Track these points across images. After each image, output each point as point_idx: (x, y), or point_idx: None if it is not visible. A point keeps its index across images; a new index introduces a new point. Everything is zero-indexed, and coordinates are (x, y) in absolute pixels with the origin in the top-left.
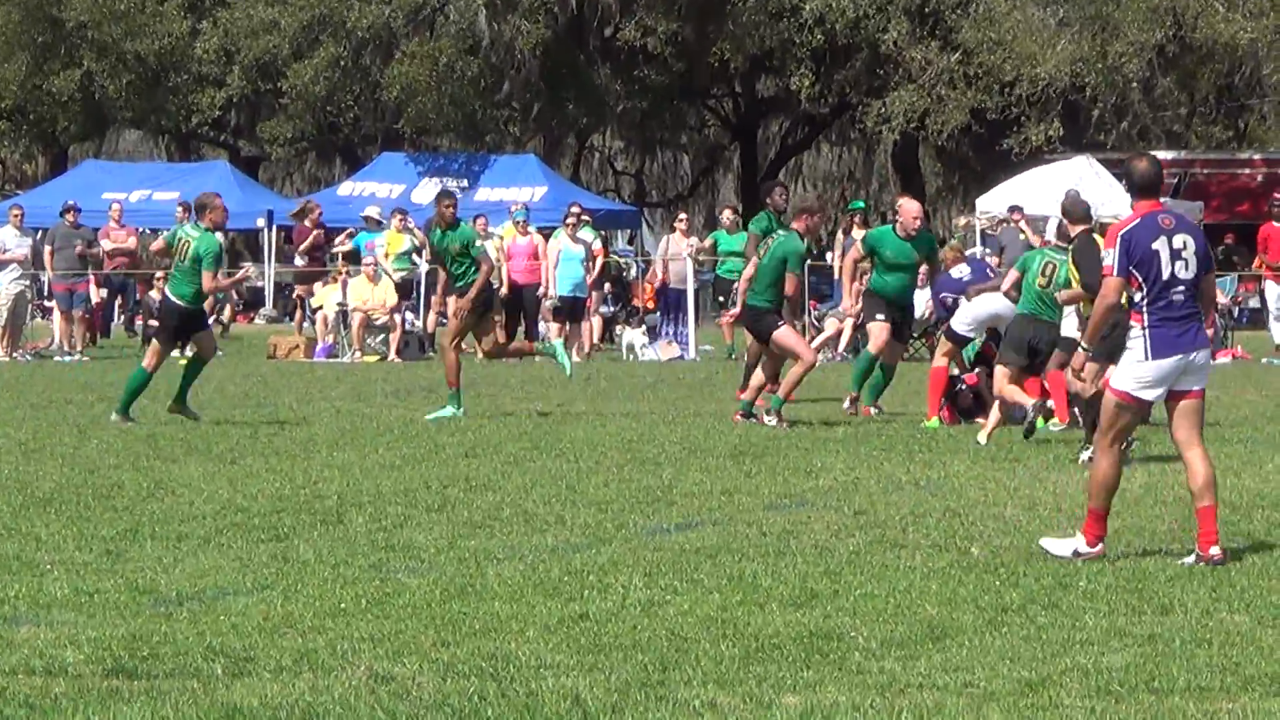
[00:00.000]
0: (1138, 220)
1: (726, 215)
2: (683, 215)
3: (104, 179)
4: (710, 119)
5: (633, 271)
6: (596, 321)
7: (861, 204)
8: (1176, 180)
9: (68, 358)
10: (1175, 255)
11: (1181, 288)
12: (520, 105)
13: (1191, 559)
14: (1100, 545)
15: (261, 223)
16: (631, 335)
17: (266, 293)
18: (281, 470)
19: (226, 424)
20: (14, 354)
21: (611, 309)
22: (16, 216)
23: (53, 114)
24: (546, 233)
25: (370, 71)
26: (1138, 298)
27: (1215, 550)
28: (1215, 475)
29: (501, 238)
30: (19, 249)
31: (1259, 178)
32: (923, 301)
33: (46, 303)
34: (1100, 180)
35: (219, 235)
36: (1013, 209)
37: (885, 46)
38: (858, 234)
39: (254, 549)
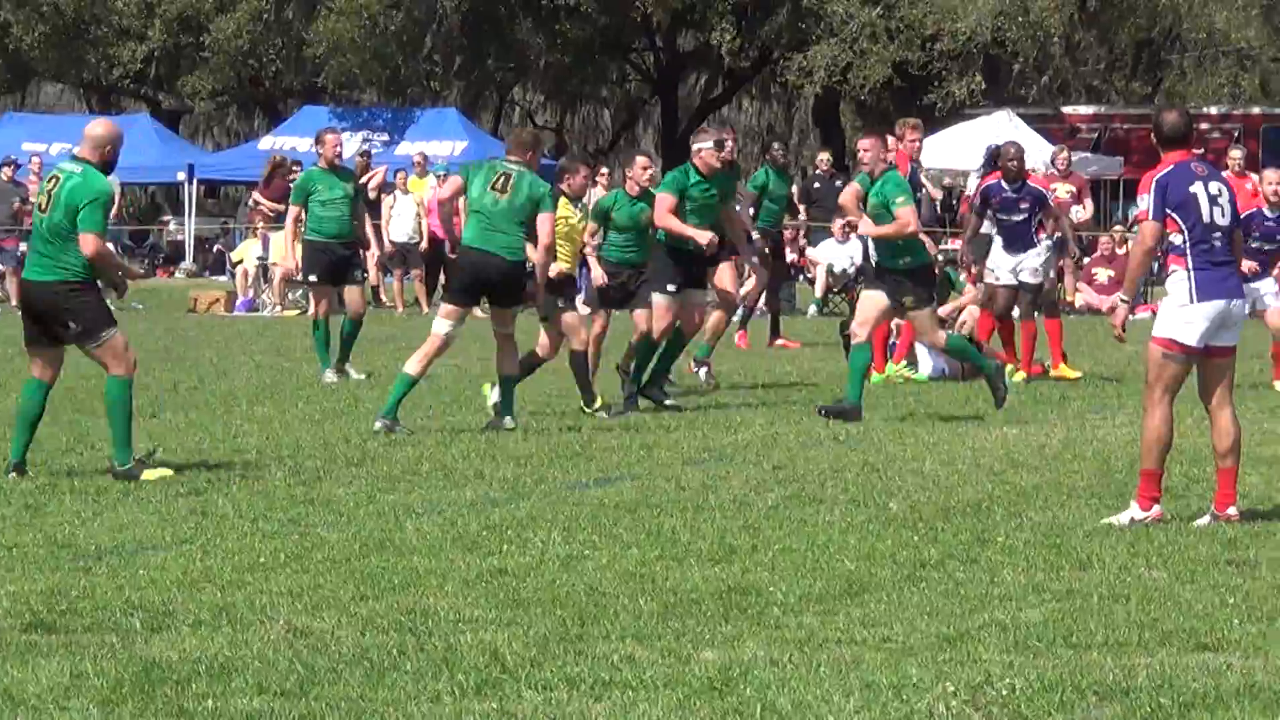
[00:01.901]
0: (1172, 166)
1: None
2: (604, 169)
3: (24, 131)
4: (631, 73)
5: None
6: None
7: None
8: (1096, 135)
9: None
10: (1213, 201)
11: (1220, 233)
12: (442, 59)
13: (1206, 519)
14: (1157, 508)
15: (182, 176)
16: None
17: (187, 247)
18: (201, 424)
19: (146, 378)
20: None
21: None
22: None
23: None
24: None
25: (293, 26)
26: (1178, 241)
27: (1233, 510)
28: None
29: (408, 193)
30: None
31: None
32: (846, 256)
33: None
34: (1020, 134)
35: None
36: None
37: (807, 1)
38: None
39: (173, 503)
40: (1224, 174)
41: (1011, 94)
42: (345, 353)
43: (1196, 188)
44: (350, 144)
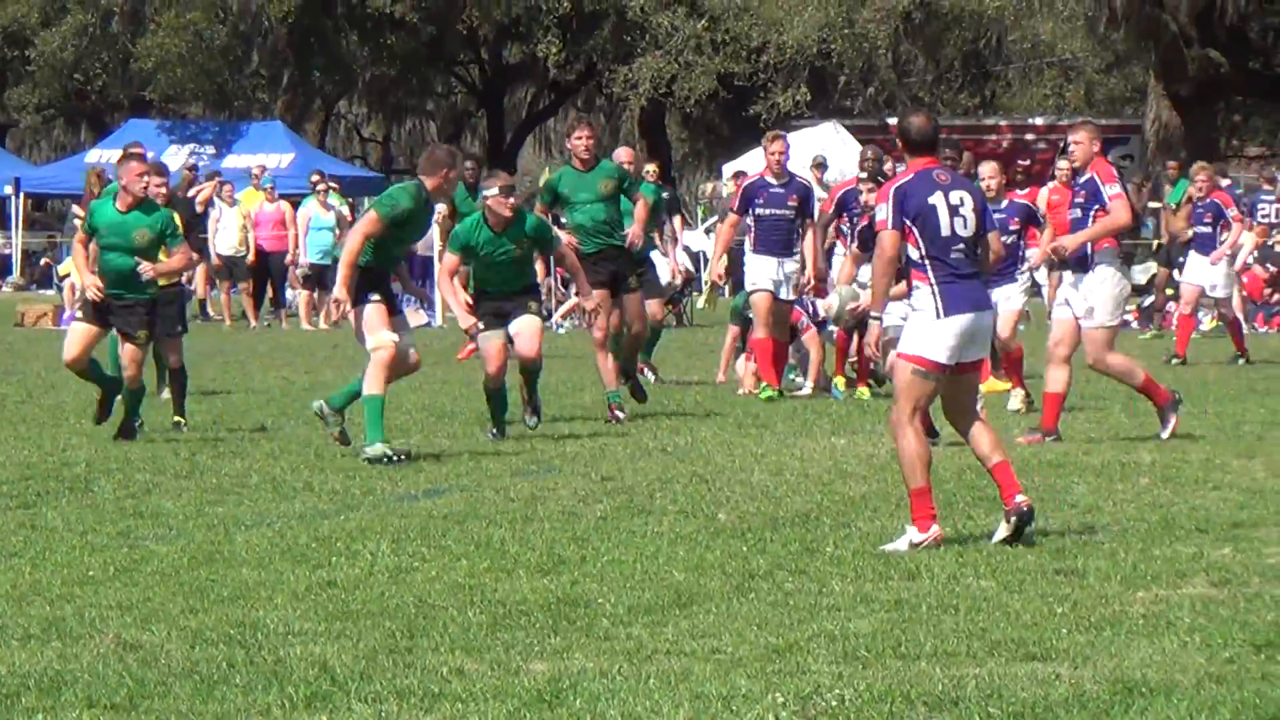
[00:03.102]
0: (912, 175)
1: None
2: None
3: None
4: (457, 86)
5: None
6: None
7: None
8: None
9: None
10: (954, 211)
11: (962, 245)
12: (267, 73)
13: (1002, 527)
14: (935, 527)
15: (9, 190)
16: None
17: (14, 261)
18: (29, 438)
19: None
20: None
21: None
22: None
23: None
24: (294, 200)
25: (119, 39)
26: (915, 255)
27: (1021, 498)
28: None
29: (234, 205)
30: None
31: (1004, 143)
32: (669, 268)
33: None
34: (846, 146)
35: None
36: (737, 175)
37: (632, 13)
38: None
39: (1, 516)
40: (1051, 184)
41: (837, 105)
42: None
43: (936, 198)
44: (177, 156)
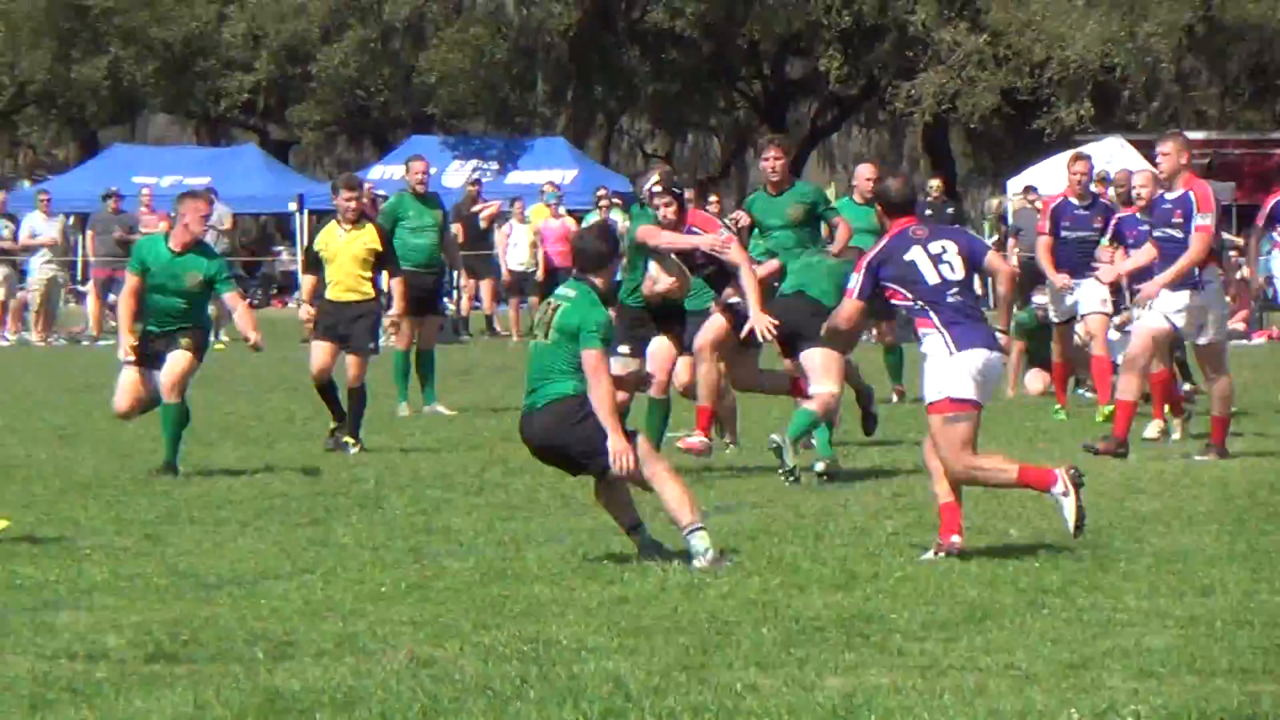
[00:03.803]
0: (885, 242)
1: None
2: (714, 197)
3: (134, 163)
4: (739, 101)
5: None
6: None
7: None
8: (1208, 161)
9: (100, 343)
10: (936, 260)
11: (955, 288)
12: (550, 89)
13: (930, 554)
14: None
15: (293, 206)
16: None
17: (299, 277)
18: (319, 454)
19: (261, 408)
20: (48, 339)
21: None
22: (44, 201)
23: (81, 99)
24: (578, 215)
25: (400, 55)
26: (915, 305)
27: (956, 539)
28: None
29: (525, 221)
30: (48, 233)
31: None
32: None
33: (80, 287)
34: (1131, 160)
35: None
36: (1028, 189)
37: (914, 28)
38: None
39: (293, 533)
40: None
41: (1121, 120)
42: (428, 389)
43: (914, 253)
44: (460, 173)
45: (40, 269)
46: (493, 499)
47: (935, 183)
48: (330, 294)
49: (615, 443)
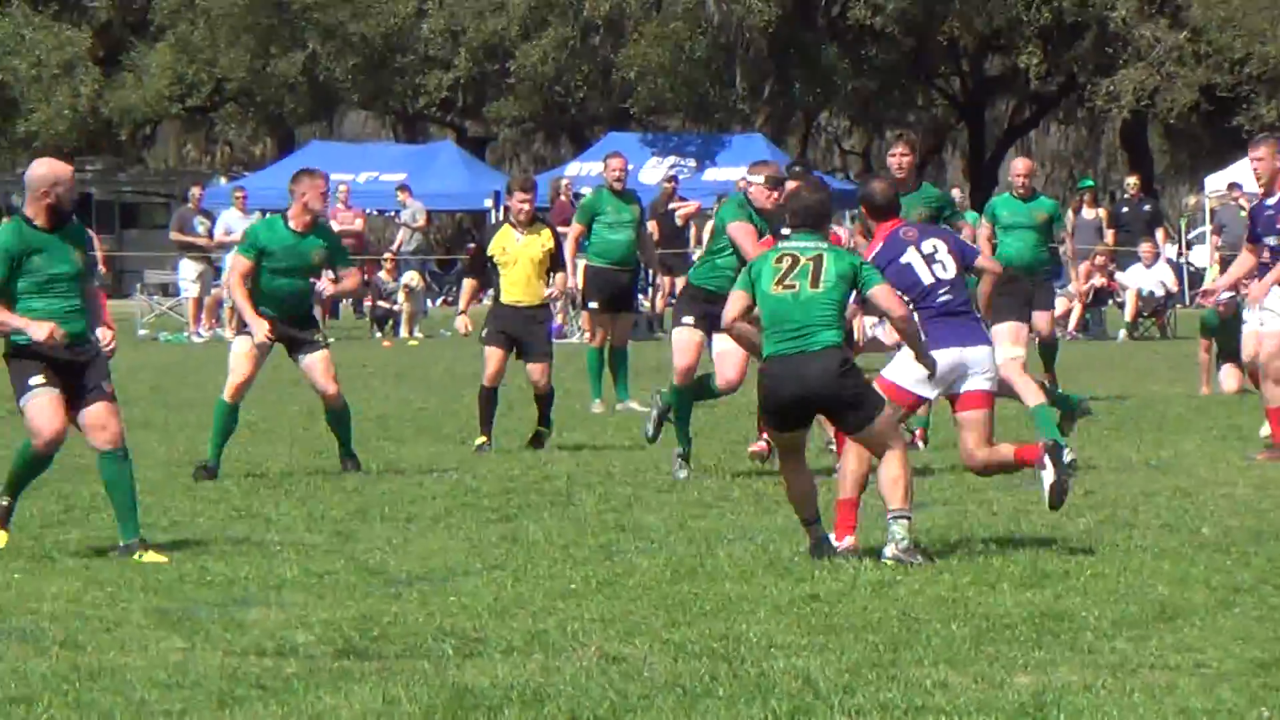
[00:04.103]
0: (880, 245)
1: (955, 194)
2: None
3: (331, 160)
4: (937, 98)
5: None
6: None
7: (1090, 182)
8: None
9: None
10: (929, 260)
11: (946, 286)
12: (748, 85)
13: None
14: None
15: (489, 203)
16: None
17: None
18: (511, 451)
19: (455, 405)
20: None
21: None
22: (240, 199)
23: (279, 96)
24: None
25: (599, 51)
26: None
27: (850, 540)
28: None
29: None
30: (242, 230)
31: None
32: (1154, 279)
33: None
34: None
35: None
36: (1231, 186)
37: (1114, 24)
38: (1088, 213)
39: (483, 530)
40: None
41: None
42: (621, 385)
43: (909, 255)
44: (657, 170)
45: None
46: (684, 496)
47: (1132, 180)
48: (505, 298)
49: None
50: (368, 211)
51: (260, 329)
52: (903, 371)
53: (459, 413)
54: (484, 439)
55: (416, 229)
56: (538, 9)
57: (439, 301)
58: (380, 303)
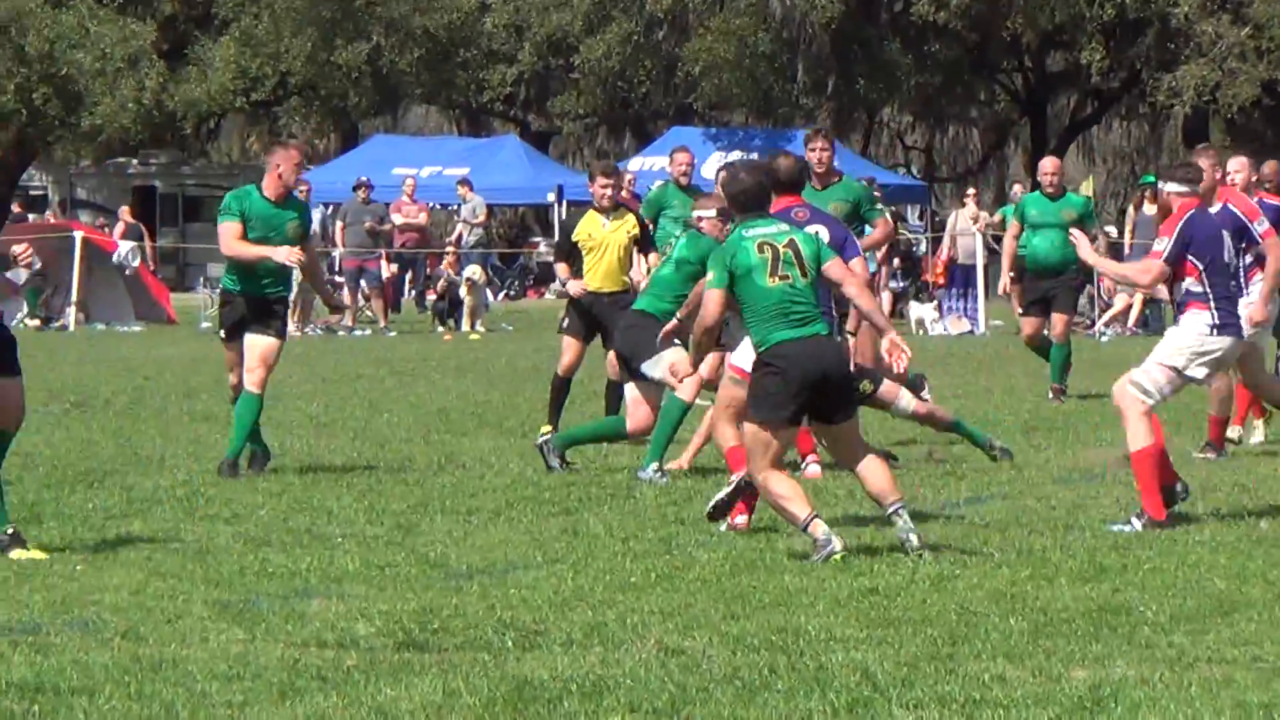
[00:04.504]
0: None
1: (1016, 190)
2: (972, 190)
3: (394, 154)
4: (1000, 94)
5: (922, 247)
6: (886, 297)
7: (1152, 178)
8: None
9: (356, 332)
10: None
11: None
12: (811, 80)
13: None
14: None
15: (552, 197)
16: (921, 310)
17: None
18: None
19: (516, 399)
20: (304, 328)
21: (901, 284)
22: (304, 192)
23: (342, 89)
24: None
25: (663, 47)
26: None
27: (741, 520)
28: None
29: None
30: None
31: None
32: None
33: (336, 278)
34: None
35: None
36: None
37: (1176, 20)
38: (1149, 209)
39: (544, 523)
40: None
41: None
42: None
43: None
44: (718, 163)
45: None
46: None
47: None
48: (588, 284)
49: None
50: (431, 205)
51: (281, 254)
52: (747, 356)
53: (520, 406)
54: (549, 429)
55: (476, 224)
56: (601, 4)
57: (500, 296)
58: (437, 298)
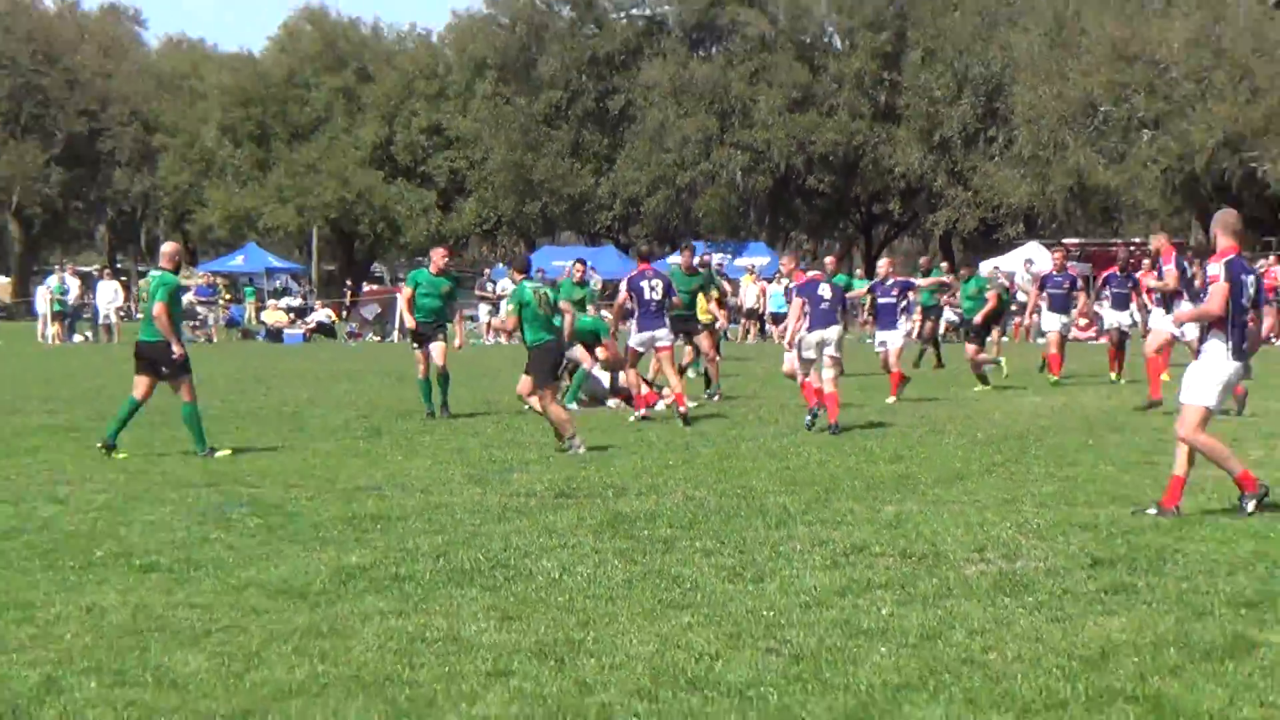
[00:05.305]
0: (635, 273)
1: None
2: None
3: (553, 254)
4: (848, 225)
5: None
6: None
7: (939, 270)
8: None
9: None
10: (652, 289)
11: (653, 304)
12: (755, 214)
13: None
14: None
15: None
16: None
17: None
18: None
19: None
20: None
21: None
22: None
23: (527, 224)
24: None
25: (686, 203)
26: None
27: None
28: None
29: None
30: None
31: None
32: None
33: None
34: None
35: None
36: None
37: (935, 187)
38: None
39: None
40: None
41: None
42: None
43: (644, 282)
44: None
45: None
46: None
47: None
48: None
49: None
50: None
51: (411, 321)
52: (636, 338)
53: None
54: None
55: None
56: (655, 182)
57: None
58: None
